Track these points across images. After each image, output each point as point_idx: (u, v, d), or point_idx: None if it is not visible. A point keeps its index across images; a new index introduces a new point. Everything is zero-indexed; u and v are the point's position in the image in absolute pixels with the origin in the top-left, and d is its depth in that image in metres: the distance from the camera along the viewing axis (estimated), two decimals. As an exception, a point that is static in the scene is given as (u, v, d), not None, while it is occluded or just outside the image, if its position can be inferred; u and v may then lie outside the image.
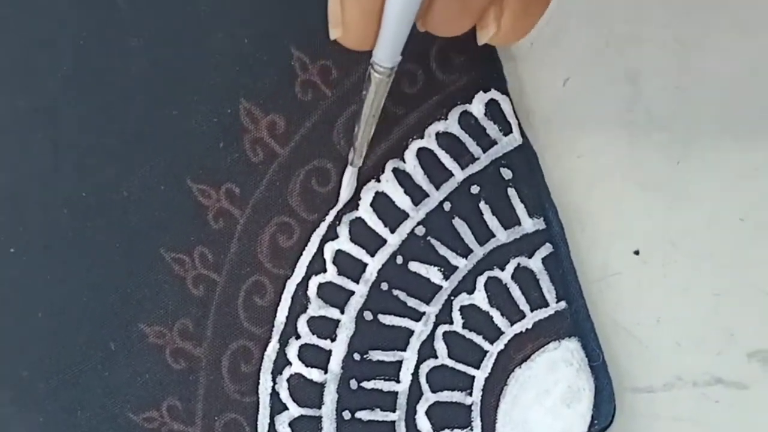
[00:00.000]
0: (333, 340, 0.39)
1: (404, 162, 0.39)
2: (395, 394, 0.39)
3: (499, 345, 0.38)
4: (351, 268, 0.39)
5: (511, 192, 0.39)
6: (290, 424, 0.39)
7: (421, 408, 0.39)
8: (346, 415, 0.39)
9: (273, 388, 0.39)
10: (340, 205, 0.39)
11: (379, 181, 0.39)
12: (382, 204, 0.39)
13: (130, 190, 0.39)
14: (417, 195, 0.39)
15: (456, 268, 0.39)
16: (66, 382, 0.39)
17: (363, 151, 0.38)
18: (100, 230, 0.39)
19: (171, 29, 0.40)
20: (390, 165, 0.39)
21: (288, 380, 0.39)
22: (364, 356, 0.39)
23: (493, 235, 0.39)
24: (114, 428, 0.39)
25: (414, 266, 0.39)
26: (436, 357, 0.39)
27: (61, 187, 0.40)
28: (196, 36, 0.40)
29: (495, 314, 0.39)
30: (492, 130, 0.39)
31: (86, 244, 0.39)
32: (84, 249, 0.39)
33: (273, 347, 0.39)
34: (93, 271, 0.39)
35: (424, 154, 0.39)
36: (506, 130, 0.39)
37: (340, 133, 0.39)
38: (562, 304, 0.38)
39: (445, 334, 0.39)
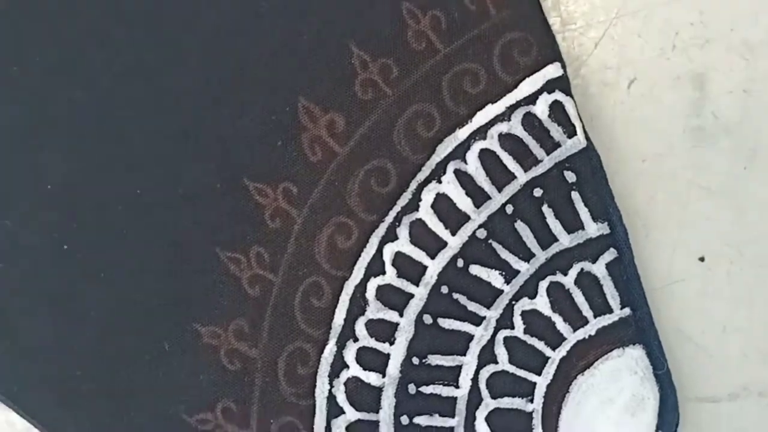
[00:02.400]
0: (391, 343, 0.38)
1: (466, 163, 0.38)
2: (454, 399, 0.38)
3: (562, 351, 0.38)
4: (411, 270, 0.38)
5: (575, 196, 0.38)
6: (347, 429, 0.38)
7: (481, 414, 0.38)
8: (404, 420, 0.38)
9: (330, 391, 0.38)
10: None
11: (440, 182, 0.38)
12: (443, 205, 0.38)
13: (186, 188, 0.39)
14: (479, 197, 0.38)
15: (518, 272, 0.38)
16: (119, 382, 0.39)
17: None
18: (154, 228, 0.39)
19: (229, 27, 0.39)
20: (452, 166, 0.38)
21: (345, 384, 0.38)
22: (423, 360, 0.38)
23: (556, 240, 0.38)
24: (167, 430, 0.38)
25: (475, 269, 0.38)
26: (496, 362, 0.38)
27: (115, 185, 0.39)
28: (255, 33, 0.39)
29: (557, 320, 0.38)
30: (556, 132, 0.38)
31: (140, 242, 0.39)
32: (138, 247, 0.39)
33: (330, 350, 0.38)
34: (147, 270, 0.39)
35: (486, 156, 0.38)
36: (570, 133, 0.38)
37: (400, 132, 0.38)
38: (627, 311, 0.38)
39: (505, 339, 0.38)
